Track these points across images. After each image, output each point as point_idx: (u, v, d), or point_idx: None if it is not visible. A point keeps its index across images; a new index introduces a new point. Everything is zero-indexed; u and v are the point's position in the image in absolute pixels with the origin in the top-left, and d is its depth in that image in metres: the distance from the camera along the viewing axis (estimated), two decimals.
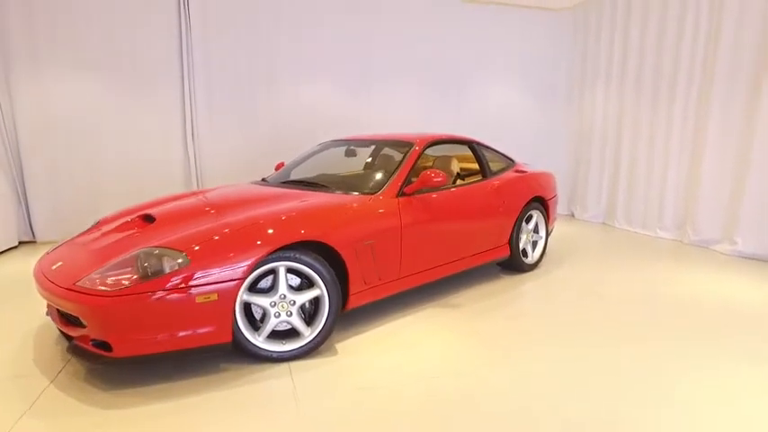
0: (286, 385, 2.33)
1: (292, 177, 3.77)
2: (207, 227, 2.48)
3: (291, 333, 2.61)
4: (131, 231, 2.69)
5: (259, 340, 2.50)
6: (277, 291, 2.49)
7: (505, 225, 3.95)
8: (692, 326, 3.10)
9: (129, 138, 5.58)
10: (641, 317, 3.24)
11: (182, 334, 2.23)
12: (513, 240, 4.04)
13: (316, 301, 2.64)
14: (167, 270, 2.20)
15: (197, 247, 2.29)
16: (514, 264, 4.15)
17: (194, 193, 3.40)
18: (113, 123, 5.49)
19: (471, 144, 4.04)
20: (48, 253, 2.79)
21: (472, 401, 2.20)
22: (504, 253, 4.01)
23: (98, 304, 2.11)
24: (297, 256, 2.51)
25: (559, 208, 7.14)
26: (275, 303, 2.50)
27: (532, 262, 4.32)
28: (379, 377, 2.42)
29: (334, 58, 6.23)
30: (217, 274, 2.26)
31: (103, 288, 2.15)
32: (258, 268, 2.41)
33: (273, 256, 2.44)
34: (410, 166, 3.32)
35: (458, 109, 6.82)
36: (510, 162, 4.37)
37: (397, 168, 3.31)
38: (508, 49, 6.89)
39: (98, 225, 3.01)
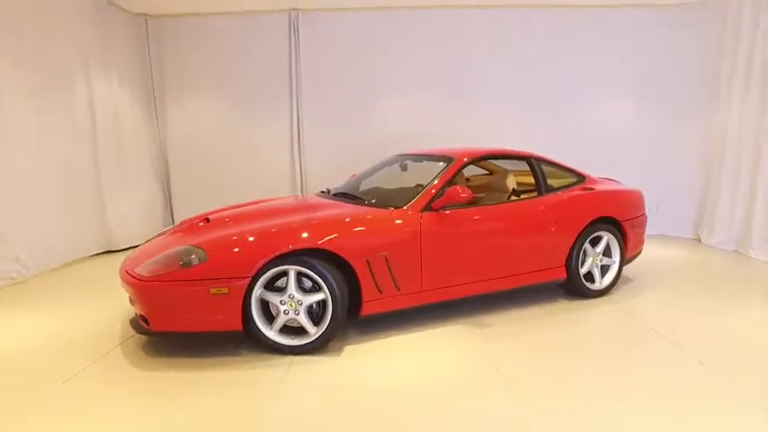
0: (278, 374, 2.63)
1: (347, 189, 4.04)
2: (234, 231, 2.93)
3: (302, 330, 2.90)
4: (191, 231, 3.28)
5: (271, 333, 2.84)
6: (287, 291, 2.82)
7: (560, 246, 3.69)
8: None
9: (247, 151, 6.54)
10: (713, 375, 2.61)
11: (199, 318, 2.69)
12: (572, 263, 3.75)
13: (323, 304, 2.89)
14: (193, 264, 2.69)
15: (217, 248, 2.74)
16: (575, 288, 3.84)
17: (255, 202, 3.93)
18: (235, 139, 6.51)
19: (529, 159, 3.87)
20: (140, 245, 3.55)
21: (442, 420, 2.22)
22: (559, 275, 3.75)
23: (139, 287, 2.69)
24: (305, 260, 2.80)
25: (684, 231, 6.28)
26: (284, 302, 2.82)
27: (600, 288, 3.93)
28: (365, 381, 2.57)
29: (432, 72, 6.40)
30: (229, 271, 2.68)
31: (145, 274, 2.72)
32: (269, 269, 2.77)
33: (282, 260, 2.77)
34: (443, 182, 3.37)
35: (560, 123, 6.40)
36: (579, 178, 4.05)
37: (429, 183, 3.40)
38: (619, 54, 6.24)
39: (180, 224, 3.70)
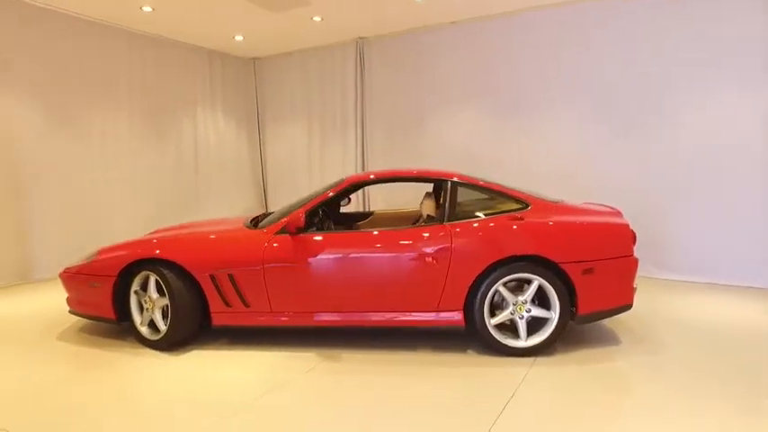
0: (113, 358, 3.18)
1: (277, 210, 4.13)
2: (138, 239, 3.59)
3: None
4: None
5: (140, 326, 3.39)
6: (148, 292, 3.33)
7: (452, 285, 3.11)
8: None
9: (324, 163, 7.28)
10: None
11: (88, 305, 3.46)
12: (476, 308, 3.10)
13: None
14: (89, 262, 3.47)
15: (102, 251, 3.46)
16: (484, 341, 3.16)
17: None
18: (314, 154, 7.35)
19: (444, 181, 3.37)
20: None
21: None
22: (454, 322, 3.15)
23: (60, 276, 3.61)
24: (157, 268, 3.25)
25: None
26: (146, 301, 3.34)
27: (523, 346, 3.11)
28: (155, 382, 2.88)
29: (490, 84, 5.95)
30: (101, 270, 3.36)
31: (66, 267, 3.63)
32: (136, 273, 3.32)
33: (147, 265, 3.29)
34: (311, 205, 3.34)
35: (650, 135, 5.05)
36: (520, 205, 3.28)
37: (296, 206, 3.40)
38: (730, 45, 4.55)
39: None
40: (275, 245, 3.23)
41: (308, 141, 7.40)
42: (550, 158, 5.58)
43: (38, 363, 3.19)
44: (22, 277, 5.17)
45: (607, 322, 3.69)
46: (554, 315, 3.10)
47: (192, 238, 3.41)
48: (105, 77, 5.81)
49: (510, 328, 3.18)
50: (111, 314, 3.39)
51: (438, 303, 3.16)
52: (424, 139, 6.43)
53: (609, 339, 3.40)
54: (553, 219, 3.19)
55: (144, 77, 6.22)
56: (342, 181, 3.50)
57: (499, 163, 5.84)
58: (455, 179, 3.38)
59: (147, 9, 5.44)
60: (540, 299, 3.17)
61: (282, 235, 3.26)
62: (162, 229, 4.12)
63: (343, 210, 4.76)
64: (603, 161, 5.29)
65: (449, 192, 3.33)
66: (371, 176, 3.53)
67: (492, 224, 3.16)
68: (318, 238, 3.26)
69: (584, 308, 3.12)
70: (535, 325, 3.17)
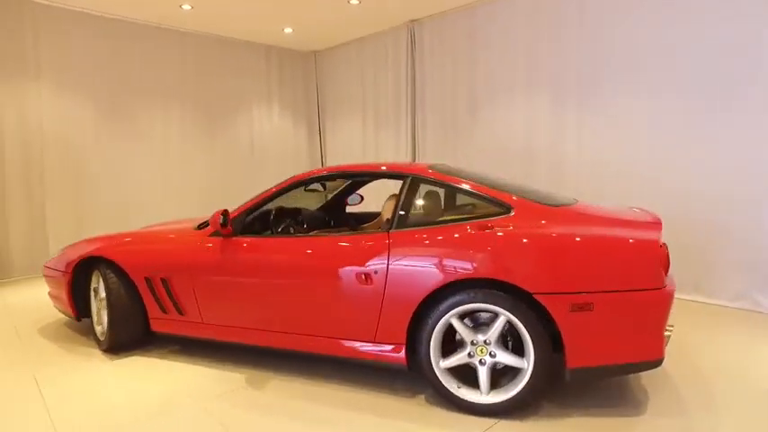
0: (56, 357, 3.09)
1: None
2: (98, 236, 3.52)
3: None
4: None
5: (97, 326, 3.29)
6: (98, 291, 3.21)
7: (391, 313, 2.39)
8: None
9: (378, 157, 6.79)
10: None
11: (57, 300, 3.46)
12: (422, 347, 2.35)
13: None
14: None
15: (66, 248, 3.43)
16: (435, 389, 2.38)
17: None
18: (369, 145, 6.90)
19: (405, 177, 2.65)
20: None
21: None
22: (394, 359, 2.42)
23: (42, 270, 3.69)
24: (101, 267, 3.10)
25: None
26: (99, 300, 3.22)
27: (481, 402, 2.26)
28: (70, 387, 2.70)
29: (541, 70, 4.91)
30: (61, 265, 3.32)
31: (45, 263, 3.68)
32: (90, 270, 3.23)
33: (87, 264, 3.20)
34: (246, 206, 2.88)
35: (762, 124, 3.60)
36: (497, 210, 2.41)
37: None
38: None
39: None
40: (206, 249, 2.84)
41: (364, 132, 6.98)
42: (621, 150, 4.33)
43: None
44: None
45: (641, 376, 2.60)
46: (526, 365, 2.20)
47: (134, 237, 3.18)
48: (157, 77, 6.05)
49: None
50: (71, 312, 3.34)
51: (375, 334, 2.47)
52: (477, 127, 5.57)
53: (629, 403, 2.34)
54: (537, 230, 2.26)
55: (198, 75, 6.38)
56: (288, 179, 2.96)
57: (559, 154, 4.77)
58: (416, 174, 2.63)
59: (187, 7, 5.51)
60: (518, 341, 2.29)
61: (215, 238, 2.87)
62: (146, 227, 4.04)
63: (351, 209, 4.29)
64: (691, 155, 3.92)
65: (405, 191, 2.59)
66: (322, 173, 2.91)
67: (442, 236, 2.35)
68: (247, 242, 2.78)
69: (576, 359, 2.16)
70: (513, 375, 2.31)
